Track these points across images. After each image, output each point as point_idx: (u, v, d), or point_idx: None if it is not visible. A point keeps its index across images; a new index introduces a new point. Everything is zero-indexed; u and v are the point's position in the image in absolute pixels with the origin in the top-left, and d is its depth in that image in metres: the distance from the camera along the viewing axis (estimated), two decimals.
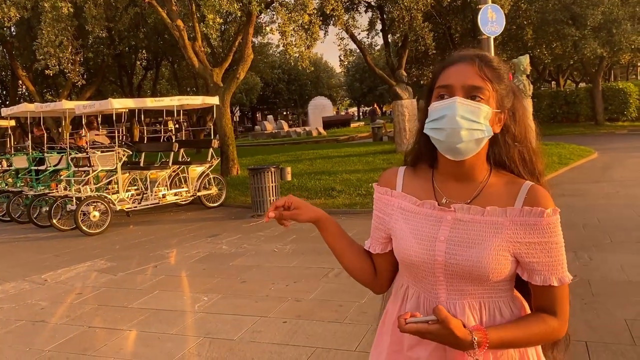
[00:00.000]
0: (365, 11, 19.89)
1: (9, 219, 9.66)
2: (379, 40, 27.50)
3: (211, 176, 10.10)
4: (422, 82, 23.13)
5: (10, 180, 10.67)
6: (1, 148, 11.65)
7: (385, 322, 1.43)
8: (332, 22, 15.33)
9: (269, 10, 12.55)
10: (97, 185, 8.78)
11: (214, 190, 10.13)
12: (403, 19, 14.77)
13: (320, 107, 43.28)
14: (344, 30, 16.40)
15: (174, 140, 9.75)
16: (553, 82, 35.57)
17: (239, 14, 10.79)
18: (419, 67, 22.85)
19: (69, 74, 13.30)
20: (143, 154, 10.12)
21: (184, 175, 9.93)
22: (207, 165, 10.01)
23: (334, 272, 5.48)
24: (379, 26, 20.09)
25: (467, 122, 1.17)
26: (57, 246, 7.78)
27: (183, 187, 9.90)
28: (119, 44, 17.61)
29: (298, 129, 34.53)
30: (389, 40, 20.09)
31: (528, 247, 1.21)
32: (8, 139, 11.03)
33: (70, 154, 9.31)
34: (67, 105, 9.35)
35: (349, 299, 4.61)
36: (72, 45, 12.80)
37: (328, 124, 37.55)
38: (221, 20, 10.25)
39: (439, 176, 1.32)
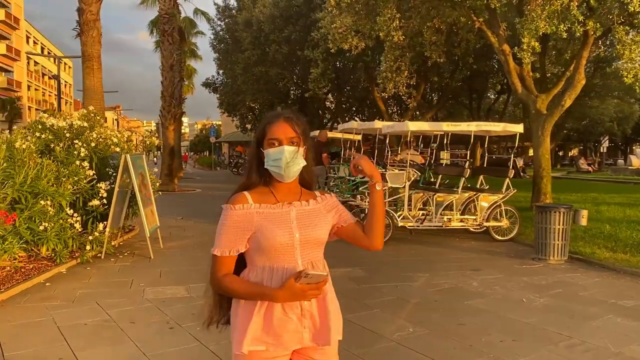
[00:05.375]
0: None
1: None
2: None
3: (503, 207, 9.52)
4: None
5: (336, 187, 12.37)
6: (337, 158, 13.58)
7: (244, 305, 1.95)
8: None
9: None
10: (385, 200, 9.40)
11: (504, 222, 9.52)
12: None
13: None
14: None
15: (466, 166, 9.58)
16: None
17: (564, 36, 9.79)
18: None
19: (402, 96, 14.52)
20: (439, 177, 10.29)
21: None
22: (500, 196, 9.48)
23: (569, 342, 4.57)
24: None
25: (292, 161, 1.90)
26: (340, 248, 8.65)
27: (474, 215, 9.65)
28: (462, 68, 18.17)
29: None
30: None
31: (335, 213, 2.05)
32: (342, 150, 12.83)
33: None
34: (378, 124, 10.29)
35: None
36: (408, 70, 13.92)
37: None
38: (537, 44, 9.48)
39: (275, 189, 1.98)
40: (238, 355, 1.91)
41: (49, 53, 61.20)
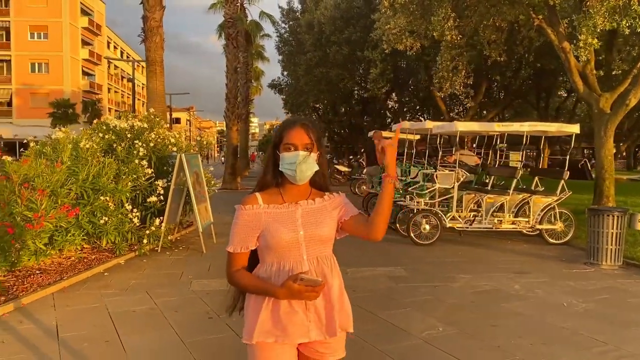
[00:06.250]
0: None
1: None
2: None
3: (557, 210, 9.23)
4: None
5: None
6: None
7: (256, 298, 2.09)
8: None
9: None
10: (432, 201, 9.36)
11: (558, 226, 9.23)
12: None
13: None
14: None
15: (519, 167, 9.35)
16: None
17: (626, 32, 9.32)
18: None
19: (460, 96, 14.31)
20: (492, 177, 10.10)
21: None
22: (554, 198, 9.20)
23: (603, 349, 4.46)
24: None
25: (306, 165, 2.04)
26: (387, 248, 8.73)
27: (527, 217, 9.42)
28: (525, 66, 17.61)
29: None
30: None
31: (340, 209, 2.15)
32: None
33: (427, 169, 10.22)
34: (429, 125, 10.25)
35: None
36: (465, 69, 13.70)
37: None
38: (596, 41, 9.07)
39: (284, 190, 2.12)
40: (248, 345, 2.07)
41: (127, 57, 64.59)
